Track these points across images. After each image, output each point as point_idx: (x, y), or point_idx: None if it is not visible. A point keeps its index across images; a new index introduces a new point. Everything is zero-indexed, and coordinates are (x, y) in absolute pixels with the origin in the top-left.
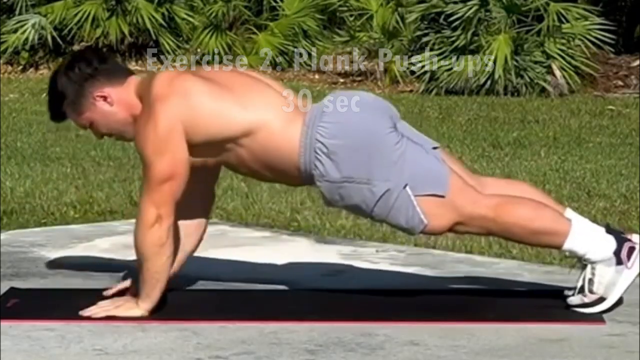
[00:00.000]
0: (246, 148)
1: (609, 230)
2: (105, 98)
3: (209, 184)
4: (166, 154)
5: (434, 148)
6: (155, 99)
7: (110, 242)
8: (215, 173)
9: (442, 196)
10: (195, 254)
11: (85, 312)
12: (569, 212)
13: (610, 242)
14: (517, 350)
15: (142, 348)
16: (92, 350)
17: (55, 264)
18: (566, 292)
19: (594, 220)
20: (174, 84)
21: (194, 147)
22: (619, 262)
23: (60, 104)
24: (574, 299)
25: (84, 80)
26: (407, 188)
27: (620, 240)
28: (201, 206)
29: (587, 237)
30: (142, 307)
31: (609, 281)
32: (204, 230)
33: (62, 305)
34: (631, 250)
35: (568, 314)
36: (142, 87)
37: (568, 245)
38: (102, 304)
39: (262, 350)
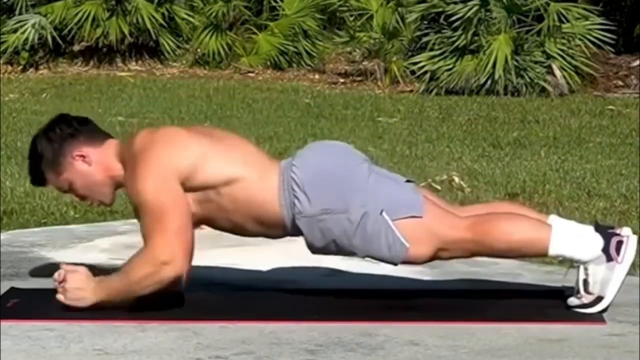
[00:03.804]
0: (228, 197)
1: (598, 227)
2: (84, 157)
3: None
4: (173, 205)
5: (407, 181)
6: (141, 150)
7: (110, 242)
8: None
9: (419, 217)
10: (195, 254)
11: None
12: (553, 218)
13: (597, 240)
14: (517, 350)
15: (142, 348)
16: (92, 350)
17: (55, 264)
18: (566, 293)
19: (594, 220)
20: (156, 135)
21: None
22: (609, 258)
23: (39, 165)
24: (573, 301)
25: (64, 139)
26: (384, 213)
27: (608, 236)
28: None
29: (571, 239)
30: (93, 300)
31: (603, 279)
32: None
33: (62, 305)
34: (619, 244)
35: (568, 314)
36: (122, 149)
37: (553, 250)
38: (58, 280)
39: (262, 350)
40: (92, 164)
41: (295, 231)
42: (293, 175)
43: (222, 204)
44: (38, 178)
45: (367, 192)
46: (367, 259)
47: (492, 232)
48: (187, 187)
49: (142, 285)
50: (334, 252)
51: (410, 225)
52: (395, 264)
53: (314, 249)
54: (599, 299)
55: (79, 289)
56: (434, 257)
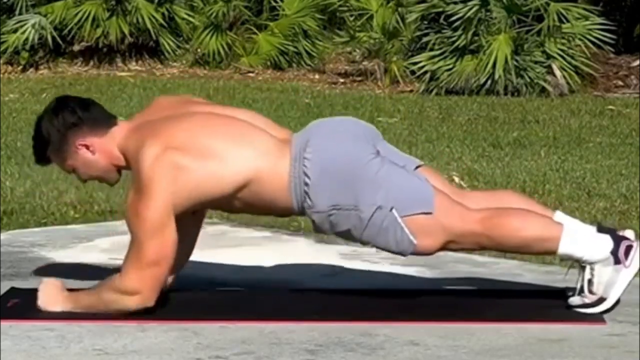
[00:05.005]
0: (239, 199)
1: (601, 229)
2: (87, 147)
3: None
4: (158, 237)
5: (417, 167)
6: (145, 179)
7: (110, 242)
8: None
9: (429, 213)
10: (195, 254)
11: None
12: (559, 215)
13: (607, 242)
14: (517, 350)
15: (142, 348)
16: (92, 350)
17: (55, 264)
18: (568, 293)
19: (594, 220)
20: (162, 162)
21: (189, 209)
22: (617, 261)
23: (45, 150)
24: (574, 300)
25: (68, 129)
26: (394, 210)
27: (617, 238)
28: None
29: (581, 239)
30: (63, 307)
31: (608, 281)
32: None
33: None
34: (629, 248)
35: (568, 314)
36: (126, 142)
37: (562, 249)
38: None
39: (262, 350)
40: (95, 152)
41: (302, 213)
42: (305, 170)
43: (233, 203)
44: (43, 160)
45: (378, 189)
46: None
47: (503, 227)
48: (195, 204)
49: (107, 308)
50: (340, 238)
51: (420, 221)
52: (404, 256)
53: (320, 232)
54: (602, 299)
55: (49, 302)
56: (442, 249)
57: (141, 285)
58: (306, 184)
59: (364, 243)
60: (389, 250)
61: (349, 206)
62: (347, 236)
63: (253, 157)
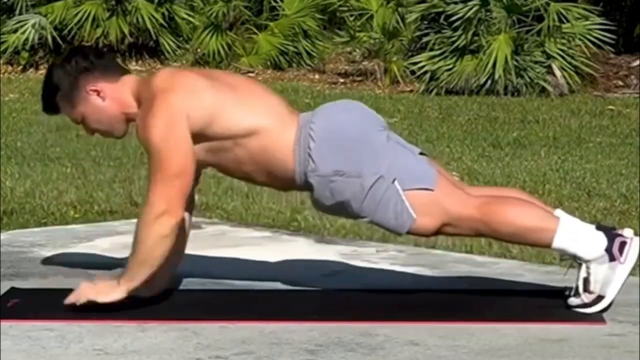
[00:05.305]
0: (244, 148)
1: (599, 227)
2: (98, 92)
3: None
4: (176, 147)
5: (421, 154)
6: (158, 91)
7: (110, 242)
8: (197, 177)
9: (431, 190)
10: (195, 254)
11: (69, 300)
12: (559, 213)
13: (601, 240)
14: (517, 350)
15: (142, 348)
16: (92, 350)
17: (55, 264)
18: (566, 293)
19: (594, 220)
20: (176, 78)
21: (194, 144)
22: (612, 258)
23: (54, 96)
24: (573, 300)
25: (79, 72)
26: (396, 182)
27: (611, 236)
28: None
29: (576, 235)
30: (122, 289)
31: (604, 279)
32: (189, 229)
33: (62, 305)
34: (622, 244)
35: (568, 314)
36: (139, 87)
37: (557, 243)
38: (83, 287)
39: (262, 350)
40: (106, 99)
41: (304, 186)
42: (311, 133)
43: (237, 154)
44: (51, 107)
45: (383, 160)
46: (373, 226)
47: (499, 214)
48: (203, 136)
49: (151, 246)
50: (339, 214)
51: (420, 197)
52: (400, 234)
53: (320, 208)
54: (599, 298)
55: (107, 293)
56: (439, 232)
57: (169, 201)
58: (310, 147)
59: (361, 216)
60: (386, 226)
61: (352, 173)
62: (345, 209)
63: (266, 114)
